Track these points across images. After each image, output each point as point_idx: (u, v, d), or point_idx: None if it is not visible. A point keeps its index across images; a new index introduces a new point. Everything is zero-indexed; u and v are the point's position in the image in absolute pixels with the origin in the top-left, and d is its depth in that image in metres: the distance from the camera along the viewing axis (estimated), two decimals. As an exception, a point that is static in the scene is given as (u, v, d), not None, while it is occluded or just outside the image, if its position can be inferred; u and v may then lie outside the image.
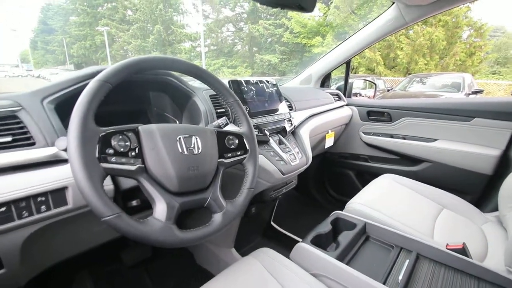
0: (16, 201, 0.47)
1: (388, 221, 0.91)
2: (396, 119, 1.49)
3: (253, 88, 0.99)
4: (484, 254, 0.84)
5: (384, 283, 0.66)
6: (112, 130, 0.47)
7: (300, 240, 0.80)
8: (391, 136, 1.51)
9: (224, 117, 0.76)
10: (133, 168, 0.47)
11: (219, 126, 0.72)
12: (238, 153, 0.67)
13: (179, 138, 0.55)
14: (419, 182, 1.19)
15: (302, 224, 1.50)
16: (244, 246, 1.26)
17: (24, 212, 0.48)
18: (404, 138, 1.47)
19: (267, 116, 0.98)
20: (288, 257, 0.76)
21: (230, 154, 0.65)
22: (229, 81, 0.92)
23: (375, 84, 2.24)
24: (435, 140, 1.38)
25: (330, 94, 1.59)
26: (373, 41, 1.43)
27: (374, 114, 1.58)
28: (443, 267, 0.71)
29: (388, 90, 7.69)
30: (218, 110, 0.87)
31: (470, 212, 1.04)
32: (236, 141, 0.67)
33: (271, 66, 18.47)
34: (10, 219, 0.47)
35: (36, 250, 0.57)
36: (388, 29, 1.34)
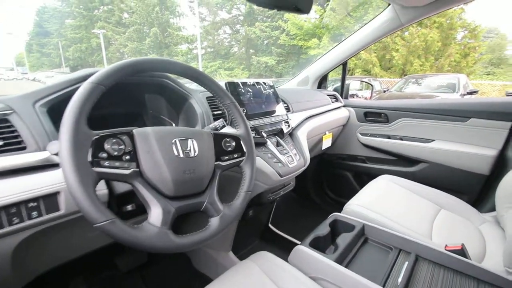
0: (6, 207, 0.46)
1: (387, 223, 0.90)
2: (393, 120, 1.50)
3: (250, 90, 0.98)
4: (482, 254, 0.84)
5: (383, 286, 0.65)
6: (105, 134, 0.46)
7: (299, 242, 0.80)
8: (388, 137, 1.51)
9: (221, 119, 0.75)
10: (127, 172, 0.46)
11: (216, 129, 0.72)
12: (235, 155, 0.66)
13: (175, 141, 0.54)
14: (417, 183, 1.19)
15: (301, 226, 1.50)
16: (242, 249, 1.25)
17: (14, 218, 0.46)
18: (401, 139, 1.47)
19: (264, 118, 0.97)
20: (286, 260, 0.75)
21: (227, 157, 0.64)
22: (225, 83, 0.92)
23: (371, 85, 2.26)
24: (432, 140, 1.38)
25: (327, 95, 1.59)
26: (369, 42, 1.43)
27: (371, 115, 1.59)
28: (442, 269, 0.70)
29: (384, 91, 7.75)
30: (215, 112, 0.87)
31: (467, 212, 1.05)
32: (233, 144, 0.66)
33: (268, 68, 18.53)
34: (0, 226, 0.45)
35: (28, 256, 0.56)
36: (384, 30, 1.35)
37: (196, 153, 0.56)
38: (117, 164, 0.46)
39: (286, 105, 1.18)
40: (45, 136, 0.54)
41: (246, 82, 0.99)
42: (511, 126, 1.17)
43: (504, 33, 18.52)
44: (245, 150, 0.68)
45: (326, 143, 1.48)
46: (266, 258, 0.73)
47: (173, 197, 0.51)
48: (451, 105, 1.33)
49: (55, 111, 0.59)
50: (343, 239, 0.78)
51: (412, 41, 11.66)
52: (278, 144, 0.99)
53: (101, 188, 0.53)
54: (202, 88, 0.68)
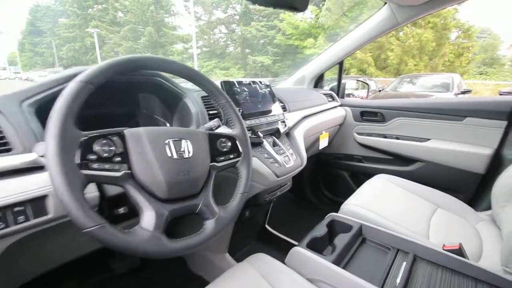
0: None
1: (384, 222, 0.90)
2: (389, 119, 1.50)
3: (246, 89, 0.97)
4: (479, 253, 0.84)
5: (382, 287, 0.65)
6: (94, 134, 0.44)
7: (296, 243, 0.79)
8: (385, 136, 1.51)
9: (216, 119, 0.73)
10: (118, 174, 0.45)
11: (211, 129, 0.70)
12: (231, 156, 0.65)
13: (168, 141, 0.52)
14: (413, 182, 1.19)
15: (297, 227, 1.49)
16: (239, 251, 1.24)
17: (0, 223, 0.44)
18: (397, 138, 1.47)
19: (260, 118, 0.96)
20: (283, 261, 0.74)
21: (222, 158, 0.63)
22: (221, 82, 0.90)
23: (367, 85, 2.26)
24: (428, 139, 1.38)
25: (324, 94, 1.58)
26: (366, 41, 1.43)
27: (367, 115, 1.59)
28: (440, 269, 0.70)
29: (380, 91, 7.79)
30: (210, 112, 0.85)
31: (464, 211, 1.05)
32: (229, 144, 0.65)
33: (264, 67, 18.52)
34: None
35: (17, 261, 0.54)
36: (380, 29, 1.35)
37: (190, 154, 0.55)
38: (107, 166, 0.44)
39: (282, 104, 1.17)
40: (32, 137, 0.52)
41: (242, 81, 0.98)
42: (506, 125, 1.17)
43: (497, 33, 18.78)
44: (241, 150, 0.67)
45: (323, 142, 1.48)
46: (263, 260, 0.72)
47: (167, 199, 0.50)
48: (447, 104, 1.33)
49: (43, 111, 0.56)
50: (341, 240, 0.78)
51: (407, 41, 11.77)
52: (274, 144, 0.98)
53: (91, 191, 0.51)
54: (197, 87, 0.66)
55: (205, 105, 0.85)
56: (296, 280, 0.66)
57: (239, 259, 0.80)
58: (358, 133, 1.61)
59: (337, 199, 1.74)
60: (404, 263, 0.71)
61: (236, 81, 0.95)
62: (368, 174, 1.35)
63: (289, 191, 1.16)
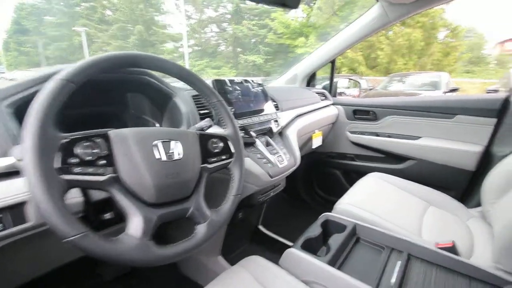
0: None
1: (377, 221, 0.90)
2: (381, 117, 1.50)
3: (238, 88, 0.95)
4: (471, 250, 0.84)
5: (377, 287, 0.64)
6: (77, 136, 0.41)
7: (290, 243, 0.78)
8: (377, 135, 1.52)
9: (208, 119, 0.71)
10: (102, 178, 0.42)
11: (202, 129, 0.68)
12: (223, 157, 0.63)
13: (156, 143, 0.50)
14: (405, 180, 1.20)
15: (292, 227, 1.48)
16: (232, 253, 1.22)
17: None
18: (389, 136, 1.48)
19: (252, 117, 0.94)
20: (278, 262, 0.73)
21: (214, 159, 0.61)
22: (212, 81, 0.88)
23: (359, 83, 2.27)
24: (419, 137, 1.39)
25: (316, 93, 1.58)
26: (358, 39, 1.43)
27: (360, 113, 1.59)
28: (434, 267, 0.70)
29: (370, 89, 7.88)
30: (201, 112, 0.83)
31: (455, 208, 1.06)
32: (221, 144, 0.63)
33: (256, 66, 18.48)
34: None
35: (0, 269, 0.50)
36: (373, 27, 1.35)
37: (180, 156, 0.52)
38: (90, 170, 0.41)
39: (275, 103, 1.16)
40: (9, 139, 0.49)
41: (234, 80, 0.96)
42: (496, 122, 1.19)
43: (481, 33, 19.30)
44: (233, 151, 0.65)
45: (316, 141, 1.47)
46: (257, 263, 0.71)
47: (155, 204, 0.47)
48: (437, 102, 1.35)
49: (23, 112, 0.53)
50: (335, 240, 0.77)
51: (396, 40, 11.95)
52: (267, 144, 0.96)
53: (75, 196, 0.48)
54: (188, 86, 0.64)
55: (196, 104, 0.82)
56: (291, 282, 0.65)
57: (232, 261, 0.78)
58: (351, 132, 1.61)
59: (331, 198, 1.74)
60: (399, 262, 0.70)
61: (228, 80, 0.93)
62: (360, 173, 1.36)
63: (283, 191, 1.15)
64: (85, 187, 0.42)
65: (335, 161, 1.71)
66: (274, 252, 1.01)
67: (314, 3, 13.84)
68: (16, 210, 0.44)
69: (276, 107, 1.16)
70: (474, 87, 11.14)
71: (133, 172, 0.46)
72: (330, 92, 1.73)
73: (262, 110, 1.01)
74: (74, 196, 0.48)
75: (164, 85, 0.78)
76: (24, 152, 0.37)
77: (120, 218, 0.57)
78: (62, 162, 0.39)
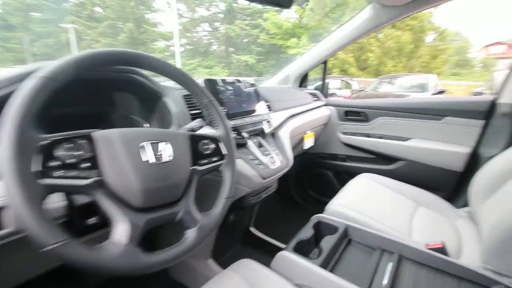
0: None
1: (368, 222, 0.90)
2: (372, 118, 1.52)
3: (230, 88, 0.93)
4: (460, 250, 0.86)
5: None
6: (58, 138, 0.39)
7: (282, 245, 0.77)
8: (368, 136, 1.53)
9: (199, 119, 0.69)
10: (85, 182, 0.40)
11: (193, 130, 0.66)
12: (214, 158, 0.61)
13: (143, 144, 0.48)
14: (395, 180, 1.21)
15: (284, 228, 1.47)
16: (223, 255, 1.20)
17: None
18: (380, 137, 1.49)
19: (245, 117, 0.93)
20: (269, 265, 0.72)
21: (205, 160, 0.59)
22: (204, 80, 0.86)
23: (350, 85, 2.29)
24: (409, 139, 1.41)
25: (309, 94, 1.58)
26: (350, 40, 1.44)
27: (351, 114, 1.60)
28: (425, 268, 0.70)
29: (361, 91, 7.99)
30: (193, 112, 0.81)
31: (444, 208, 1.07)
32: (212, 146, 0.62)
33: (248, 66, 18.45)
34: None
35: None
36: (365, 28, 1.36)
37: (169, 158, 0.50)
38: (73, 173, 0.39)
39: (267, 104, 1.15)
40: None
41: (226, 80, 0.94)
42: (483, 124, 1.21)
43: (467, 37, 19.91)
44: (224, 152, 0.63)
45: (309, 142, 1.47)
46: (248, 267, 0.69)
47: (142, 208, 0.45)
48: (427, 104, 1.37)
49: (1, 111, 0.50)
50: (327, 242, 0.77)
51: (386, 42, 12.16)
52: (260, 145, 0.95)
53: (57, 201, 0.45)
54: (179, 85, 0.62)
55: (187, 104, 0.80)
56: (284, 286, 0.64)
57: (223, 264, 0.77)
58: (343, 133, 1.62)
59: (323, 199, 1.75)
60: (390, 264, 0.71)
61: (220, 80, 0.92)
62: (351, 173, 1.36)
63: (275, 192, 1.14)
64: (67, 191, 0.40)
65: (327, 162, 1.71)
66: (266, 254, 1.00)
67: (307, 4, 13.93)
68: None
69: (269, 107, 1.15)
70: (460, 89, 11.45)
71: (119, 175, 0.44)
72: (322, 92, 1.74)
73: (254, 111, 0.99)
74: (56, 201, 0.45)
75: (153, 84, 0.76)
76: (1, 155, 0.34)
77: (106, 223, 0.55)
78: (42, 165, 0.37)
